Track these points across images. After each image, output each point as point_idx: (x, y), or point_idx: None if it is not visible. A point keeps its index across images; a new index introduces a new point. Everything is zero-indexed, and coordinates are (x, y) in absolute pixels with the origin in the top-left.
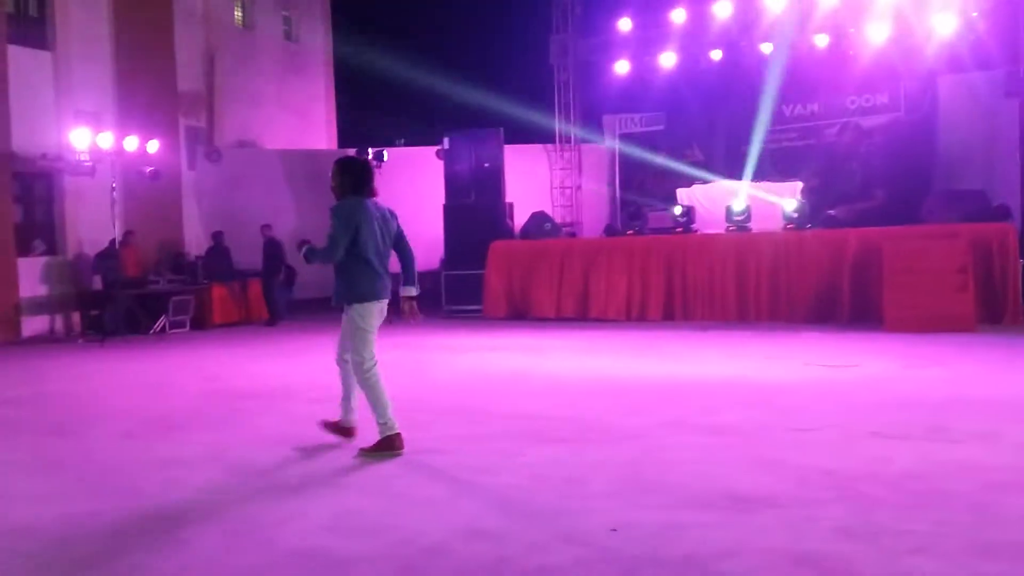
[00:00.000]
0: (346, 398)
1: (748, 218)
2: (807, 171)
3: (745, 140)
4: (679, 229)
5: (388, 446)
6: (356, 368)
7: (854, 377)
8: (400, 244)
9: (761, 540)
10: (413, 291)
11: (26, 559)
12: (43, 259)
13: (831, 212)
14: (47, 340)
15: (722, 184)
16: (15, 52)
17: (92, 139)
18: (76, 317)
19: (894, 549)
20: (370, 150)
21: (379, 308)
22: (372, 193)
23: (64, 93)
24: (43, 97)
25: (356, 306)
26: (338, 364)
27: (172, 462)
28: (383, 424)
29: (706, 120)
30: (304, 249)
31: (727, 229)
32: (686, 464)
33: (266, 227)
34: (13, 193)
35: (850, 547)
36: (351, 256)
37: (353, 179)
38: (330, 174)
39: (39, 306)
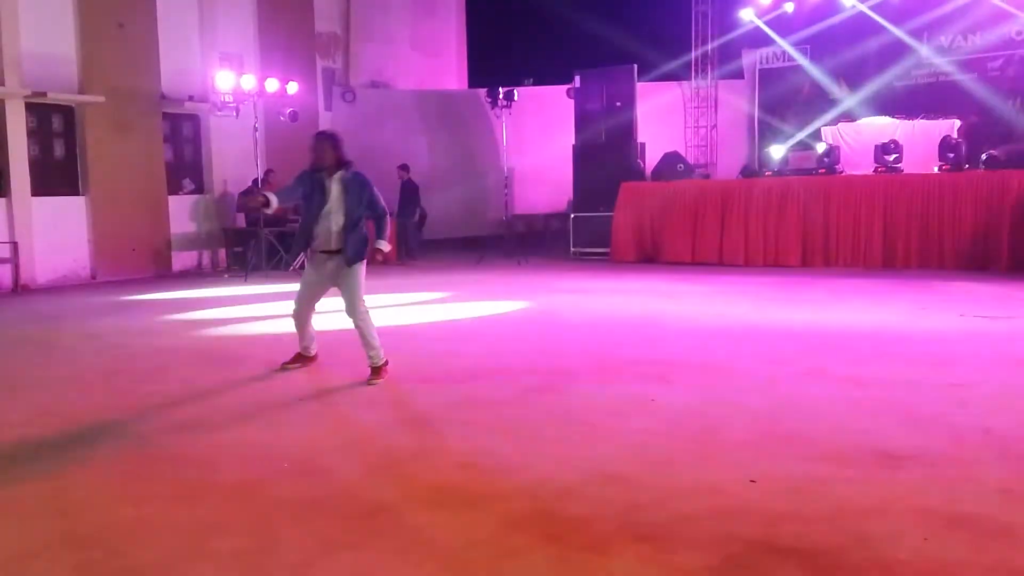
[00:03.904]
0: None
1: (899, 158)
2: (966, 108)
3: (898, 74)
4: (822, 170)
5: (383, 371)
6: (363, 314)
7: (1013, 329)
8: None
9: (912, 499)
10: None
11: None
12: (191, 197)
13: (992, 152)
14: (195, 274)
15: (871, 122)
16: None
17: (235, 81)
18: (222, 253)
19: None
20: (500, 90)
21: None
22: None
23: (208, 36)
24: (189, 40)
25: (362, 263)
26: (296, 318)
27: (313, 393)
28: (377, 353)
29: (855, 53)
30: (381, 242)
31: (875, 170)
32: (829, 417)
33: (403, 168)
34: (164, 133)
35: (1011, 510)
36: (364, 219)
37: (344, 151)
38: (315, 146)
39: (188, 241)
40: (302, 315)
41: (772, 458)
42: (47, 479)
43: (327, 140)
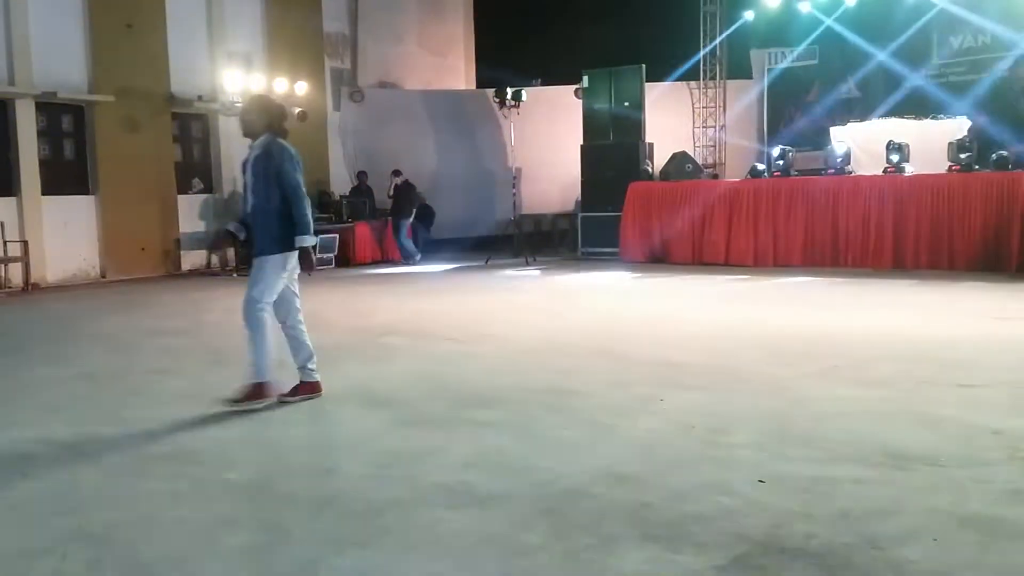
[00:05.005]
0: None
1: (908, 159)
2: (975, 108)
3: (907, 74)
4: (831, 171)
5: (260, 393)
6: (251, 305)
7: (1023, 331)
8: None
9: (922, 500)
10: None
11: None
12: (201, 197)
13: (1002, 153)
14: (203, 273)
15: (880, 122)
16: None
17: (244, 81)
18: (231, 252)
19: None
20: (508, 89)
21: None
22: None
23: (217, 35)
24: (198, 40)
25: (287, 254)
26: (284, 331)
27: (323, 394)
28: (254, 371)
29: (864, 53)
30: (301, 238)
31: (884, 170)
32: (838, 417)
33: (395, 172)
34: (173, 133)
35: (1020, 512)
36: (285, 201)
37: (278, 119)
38: (246, 107)
39: (197, 241)
40: (290, 324)
41: (780, 458)
42: (57, 476)
43: (255, 101)
